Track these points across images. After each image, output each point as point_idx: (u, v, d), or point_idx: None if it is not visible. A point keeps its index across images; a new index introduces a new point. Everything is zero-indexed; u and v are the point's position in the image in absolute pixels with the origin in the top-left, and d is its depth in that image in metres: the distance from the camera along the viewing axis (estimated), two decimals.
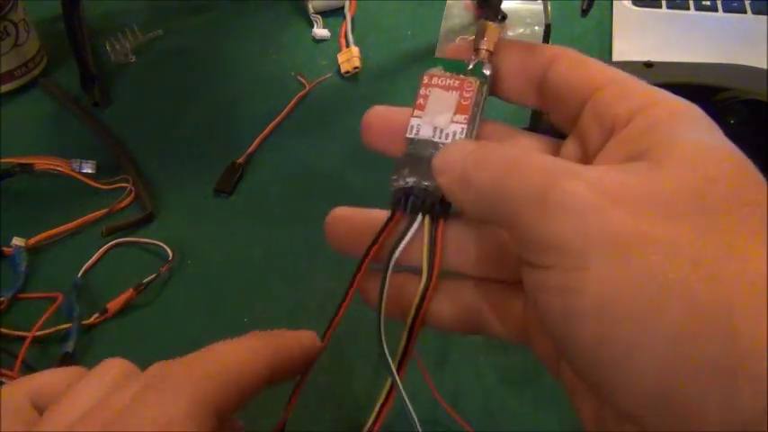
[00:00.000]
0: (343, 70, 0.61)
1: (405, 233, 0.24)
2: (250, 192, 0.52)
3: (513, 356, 0.41)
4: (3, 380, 0.38)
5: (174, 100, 0.60)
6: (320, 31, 0.66)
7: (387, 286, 0.24)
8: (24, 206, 0.51)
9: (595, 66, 0.23)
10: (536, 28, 0.65)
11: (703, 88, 0.50)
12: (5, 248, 0.46)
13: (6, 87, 0.60)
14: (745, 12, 0.66)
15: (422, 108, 0.24)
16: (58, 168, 0.51)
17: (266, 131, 0.56)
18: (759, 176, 0.19)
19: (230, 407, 0.22)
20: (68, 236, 0.48)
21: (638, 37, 0.63)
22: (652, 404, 0.17)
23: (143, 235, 0.48)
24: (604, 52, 0.62)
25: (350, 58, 0.61)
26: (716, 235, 0.17)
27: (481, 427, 0.37)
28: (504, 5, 0.67)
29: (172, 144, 0.56)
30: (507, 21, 0.66)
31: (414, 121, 0.24)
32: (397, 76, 0.61)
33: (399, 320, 0.24)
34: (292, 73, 0.62)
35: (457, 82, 0.24)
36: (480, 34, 0.25)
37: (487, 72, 0.24)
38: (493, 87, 0.25)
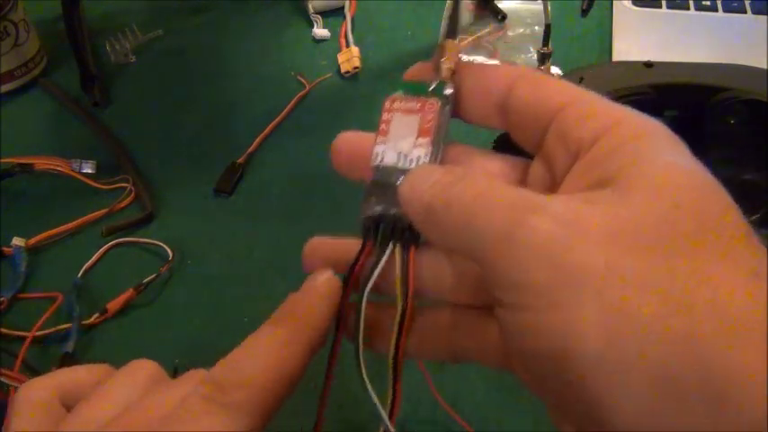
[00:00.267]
0: (343, 70, 0.61)
1: (376, 264, 0.23)
2: (250, 192, 0.52)
3: None
4: (2, 380, 0.38)
5: (174, 100, 0.60)
6: (320, 31, 0.66)
7: (362, 322, 0.23)
8: (24, 206, 0.51)
9: (556, 85, 0.22)
10: (536, 28, 0.65)
11: (703, 88, 0.50)
12: (5, 248, 0.46)
13: (6, 87, 0.60)
14: (745, 12, 0.66)
15: (385, 134, 0.24)
16: (58, 168, 0.51)
17: (266, 131, 0.56)
18: (724, 197, 0.18)
19: (278, 407, 0.21)
20: (68, 236, 0.48)
21: (638, 37, 0.63)
22: None
23: (143, 235, 0.48)
24: (604, 52, 0.62)
25: (350, 58, 0.61)
26: (685, 263, 0.17)
27: (481, 428, 0.37)
28: (504, 5, 0.67)
29: (172, 144, 0.56)
30: (507, 21, 0.66)
31: (378, 148, 0.24)
32: (397, 76, 0.61)
33: (383, 353, 0.23)
34: (292, 73, 0.62)
35: (418, 104, 0.24)
36: (440, 53, 0.24)
37: (449, 91, 0.24)
38: (455, 109, 0.24)
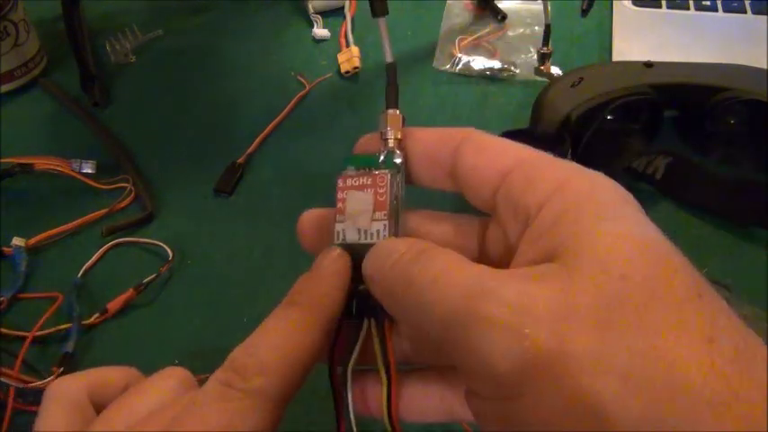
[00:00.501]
0: (343, 70, 0.61)
1: (355, 341, 0.24)
2: (250, 192, 0.52)
3: None
4: (2, 380, 0.38)
5: (174, 100, 0.60)
6: (320, 31, 0.66)
7: (350, 398, 0.24)
8: (24, 206, 0.51)
9: (502, 147, 0.22)
10: (536, 28, 0.65)
11: (703, 88, 0.50)
12: (5, 248, 0.46)
13: (6, 87, 0.60)
14: (745, 12, 0.66)
15: (342, 212, 0.24)
16: (58, 168, 0.51)
17: (266, 131, 0.56)
18: (672, 257, 0.18)
19: (295, 393, 0.21)
20: (68, 236, 0.48)
21: (638, 37, 0.63)
22: None
23: (143, 235, 0.48)
24: (604, 52, 0.62)
25: (350, 57, 0.61)
26: (639, 339, 0.16)
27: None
28: (504, 5, 0.67)
29: (172, 144, 0.56)
30: (507, 21, 0.66)
31: (338, 227, 0.24)
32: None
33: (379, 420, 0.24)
34: (292, 73, 0.62)
35: (369, 179, 0.24)
36: (383, 124, 0.25)
37: (398, 161, 0.24)
38: (407, 175, 0.24)
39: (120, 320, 0.44)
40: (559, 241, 0.19)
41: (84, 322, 0.42)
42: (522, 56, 0.62)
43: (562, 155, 0.40)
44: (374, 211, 0.24)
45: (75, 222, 0.48)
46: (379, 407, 0.23)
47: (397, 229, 0.24)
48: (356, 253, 0.23)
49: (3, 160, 0.50)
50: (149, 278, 0.45)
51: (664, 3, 0.67)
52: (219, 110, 0.59)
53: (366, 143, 0.26)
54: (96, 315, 0.43)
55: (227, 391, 0.20)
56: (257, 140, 0.55)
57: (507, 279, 0.19)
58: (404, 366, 0.24)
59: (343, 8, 0.68)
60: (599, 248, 0.18)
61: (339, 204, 0.24)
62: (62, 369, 0.40)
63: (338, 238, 0.24)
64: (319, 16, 0.68)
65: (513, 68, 0.61)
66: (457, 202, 0.25)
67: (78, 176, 0.51)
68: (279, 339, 0.22)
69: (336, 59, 0.62)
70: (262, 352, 0.21)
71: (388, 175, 0.24)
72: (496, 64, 0.61)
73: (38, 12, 0.65)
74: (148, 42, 0.66)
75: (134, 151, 0.55)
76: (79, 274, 0.45)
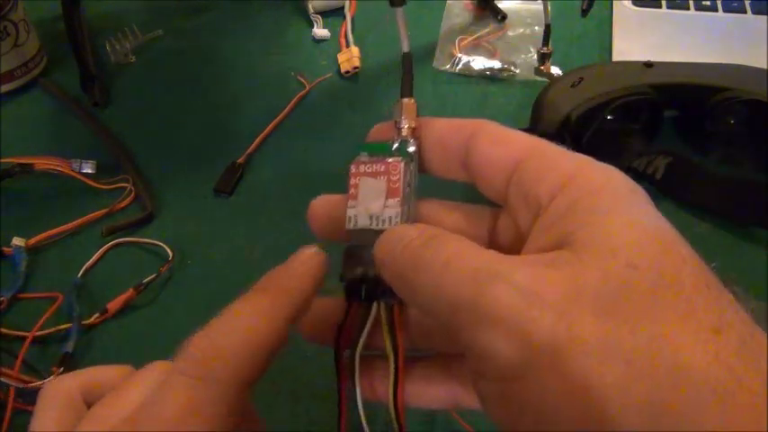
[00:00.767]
0: (343, 70, 0.61)
1: (363, 326, 0.24)
2: (250, 192, 0.52)
3: None
4: (2, 380, 0.38)
5: (173, 100, 0.60)
6: (320, 31, 0.66)
7: (358, 382, 0.24)
8: (24, 206, 0.51)
9: (515, 138, 0.23)
10: (536, 28, 0.65)
11: (703, 88, 0.50)
12: (5, 248, 0.46)
13: (6, 87, 0.60)
14: (745, 12, 0.66)
15: (355, 198, 0.24)
16: (58, 168, 0.51)
17: (266, 131, 0.56)
18: (682, 248, 0.18)
19: (257, 377, 0.22)
20: (68, 236, 0.48)
21: (638, 37, 0.63)
22: None
23: (143, 235, 0.48)
24: (604, 52, 0.62)
25: (350, 57, 0.61)
26: (645, 326, 0.17)
27: (481, 428, 0.37)
28: (504, 5, 0.67)
29: (172, 144, 0.56)
30: (507, 21, 0.66)
31: (350, 212, 0.24)
32: (397, 76, 0.61)
33: (384, 406, 0.24)
34: (292, 73, 0.62)
35: (383, 166, 0.24)
36: (399, 112, 0.25)
37: (412, 149, 0.24)
38: (419, 164, 0.25)
39: (120, 320, 0.44)
40: (571, 229, 0.19)
41: (84, 322, 0.42)
42: (522, 56, 0.62)
43: None
44: (387, 198, 0.24)
45: (75, 222, 0.48)
46: (384, 392, 0.23)
47: (408, 217, 0.24)
48: (367, 239, 0.23)
49: (3, 160, 0.50)
50: (149, 278, 0.45)
51: (664, 3, 0.67)
52: (219, 110, 0.59)
53: (379, 131, 0.26)
54: (96, 315, 0.43)
55: (185, 379, 0.21)
56: (257, 140, 0.55)
57: (518, 264, 0.19)
58: (410, 353, 0.24)
59: (343, 8, 0.68)
60: (610, 237, 0.18)
61: (351, 190, 0.24)
62: (62, 369, 0.40)
63: (350, 224, 0.24)
64: (319, 16, 0.68)
65: (513, 68, 0.61)
66: (469, 192, 0.25)
67: (78, 176, 0.51)
68: (240, 325, 0.22)
69: (336, 59, 0.62)
70: (221, 337, 0.21)
71: (402, 163, 0.24)
72: (496, 64, 0.61)
73: (38, 12, 0.65)
74: (148, 42, 0.66)
75: (134, 151, 0.55)
76: (79, 274, 0.45)
